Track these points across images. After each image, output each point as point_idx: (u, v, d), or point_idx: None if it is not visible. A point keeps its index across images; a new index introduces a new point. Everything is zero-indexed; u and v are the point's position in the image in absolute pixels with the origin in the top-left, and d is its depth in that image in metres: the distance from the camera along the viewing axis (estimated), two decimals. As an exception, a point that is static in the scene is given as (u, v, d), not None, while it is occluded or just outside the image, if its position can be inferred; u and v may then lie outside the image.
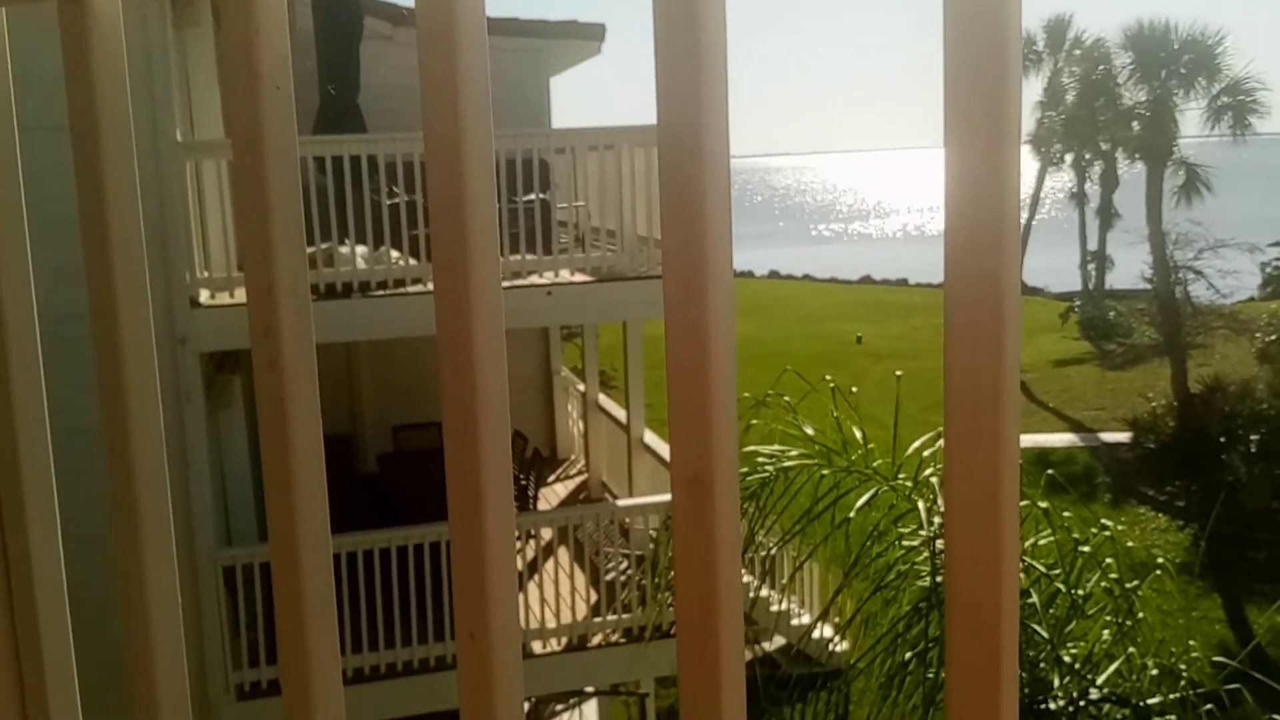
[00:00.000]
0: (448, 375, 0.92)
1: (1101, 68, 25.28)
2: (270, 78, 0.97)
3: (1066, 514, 4.42)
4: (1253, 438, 18.67)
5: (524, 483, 10.66)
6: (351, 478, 11.38)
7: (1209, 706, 3.98)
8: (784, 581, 10.01)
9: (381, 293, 8.51)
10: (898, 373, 6.38)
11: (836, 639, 5.60)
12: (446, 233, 0.90)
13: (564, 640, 9.15)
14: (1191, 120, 24.06)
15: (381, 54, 10.18)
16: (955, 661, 0.79)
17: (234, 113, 0.98)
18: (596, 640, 9.20)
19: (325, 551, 1.06)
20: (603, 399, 12.68)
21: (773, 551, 5.33)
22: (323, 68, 9.77)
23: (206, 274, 8.23)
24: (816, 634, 7.72)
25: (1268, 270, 33.81)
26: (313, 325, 1.01)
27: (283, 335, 0.99)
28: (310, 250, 8.32)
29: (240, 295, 8.26)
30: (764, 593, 9.93)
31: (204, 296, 8.25)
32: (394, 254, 8.62)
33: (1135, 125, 24.83)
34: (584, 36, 12.44)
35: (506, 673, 0.96)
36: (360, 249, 8.51)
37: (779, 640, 10.80)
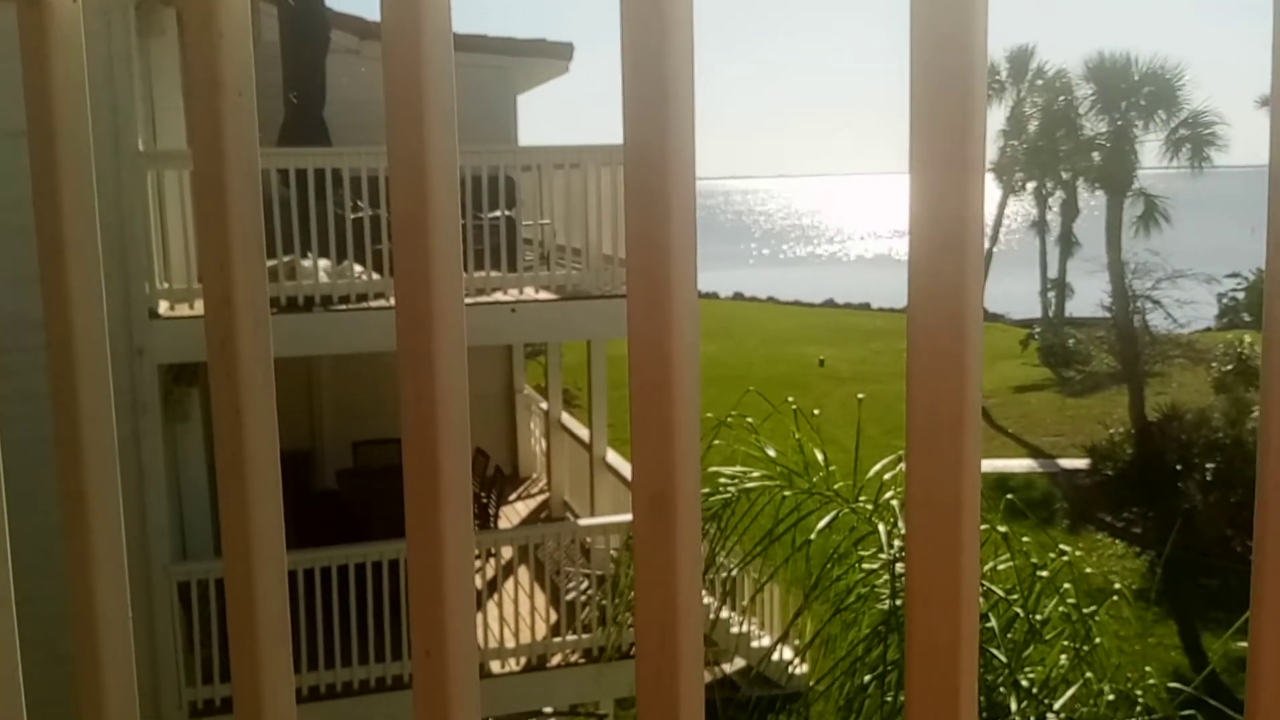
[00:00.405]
0: (408, 389, 0.91)
1: (1063, 98, 25.62)
2: (232, 84, 0.96)
3: (1025, 539, 4.45)
4: (1209, 466, 18.89)
5: (485, 501, 10.60)
6: (310, 493, 11.28)
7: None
8: (744, 603, 10.00)
9: (343, 307, 8.47)
10: (859, 395, 6.40)
11: (796, 661, 5.60)
12: (409, 246, 0.89)
13: (523, 660, 9.10)
14: (1151, 152, 24.42)
15: (347, 67, 10.15)
16: (915, 684, 0.79)
17: (195, 119, 0.97)
18: (556, 660, 9.15)
19: (280, 566, 1.04)
20: (565, 418, 12.65)
21: (734, 573, 5.33)
22: (288, 80, 9.73)
23: (166, 285, 8.15)
24: (776, 656, 7.72)
25: (1224, 301, 34.31)
26: (271, 337, 1.00)
27: (240, 346, 0.98)
28: (272, 263, 8.26)
29: (200, 307, 8.18)
30: (724, 614, 9.92)
31: (163, 308, 8.17)
32: (357, 268, 8.58)
33: (1096, 155, 25.15)
34: (552, 55, 12.46)
35: (463, 691, 0.95)
36: (323, 263, 8.46)
37: (739, 662, 10.78)
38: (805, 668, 5.86)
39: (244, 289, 0.97)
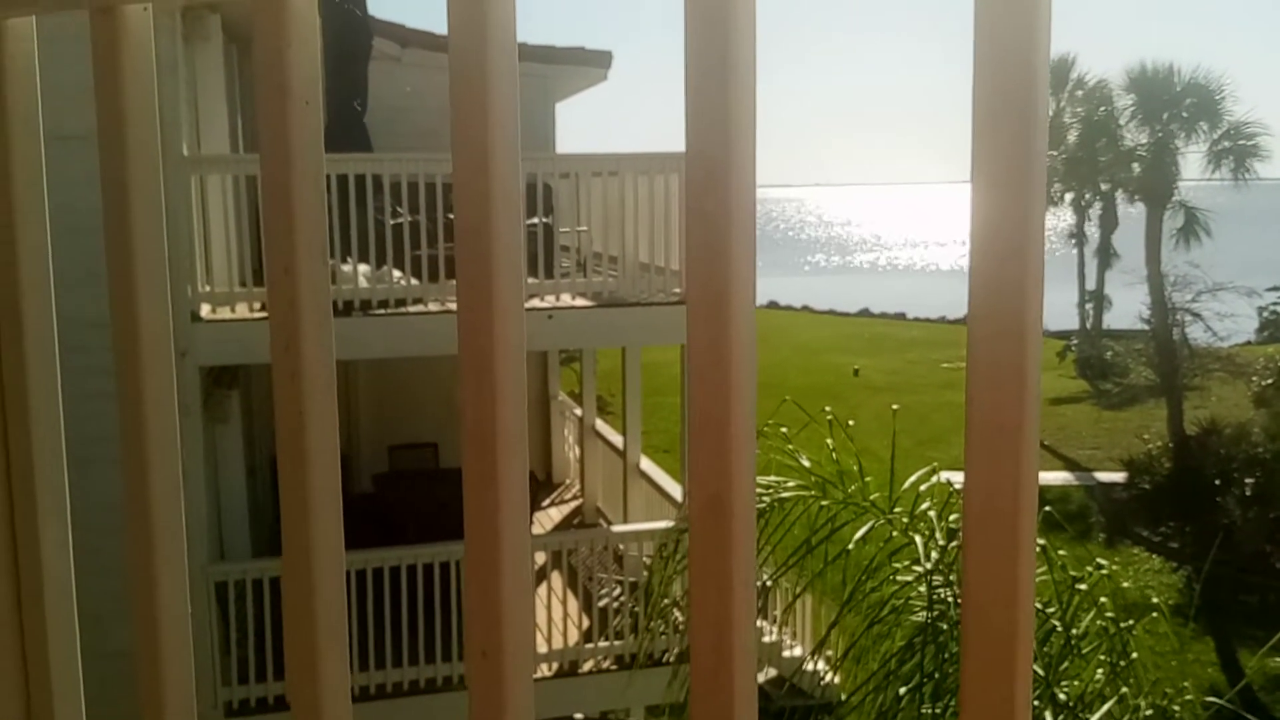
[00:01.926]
0: (469, 396, 0.93)
1: (1103, 109, 25.42)
2: (300, 93, 0.98)
3: (1062, 551, 4.42)
4: (1248, 481, 18.67)
5: (518, 506, 10.63)
6: (347, 497, 11.33)
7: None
8: (778, 613, 9.98)
9: (382, 312, 8.53)
10: (894, 406, 6.38)
11: (828, 672, 5.58)
12: (471, 256, 0.90)
13: (555, 666, 9.12)
14: (1192, 163, 24.19)
15: (389, 74, 10.23)
16: (970, 690, 0.80)
17: (263, 126, 1.00)
18: (588, 666, 9.16)
19: (339, 565, 1.06)
20: (599, 424, 12.67)
21: (768, 582, 5.32)
22: (331, 86, 9.82)
23: (208, 288, 8.24)
24: (809, 667, 7.70)
25: (1265, 314, 33.92)
26: (334, 340, 1.02)
27: (304, 348, 1.00)
28: (313, 268, 8.33)
29: (241, 310, 8.28)
30: (757, 624, 9.91)
31: (204, 311, 8.26)
32: (396, 274, 8.64)
33: (1136, 167, 24.94)
34: (590, 64, 12.51)
35: (518, 692, 0.96)
36: (362, 268, 8.53)
37: (770, 672, 10.75)
38: (837, 679, 5.85)
39: (308, 292, 1.00)
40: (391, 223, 8.57)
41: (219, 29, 9.19)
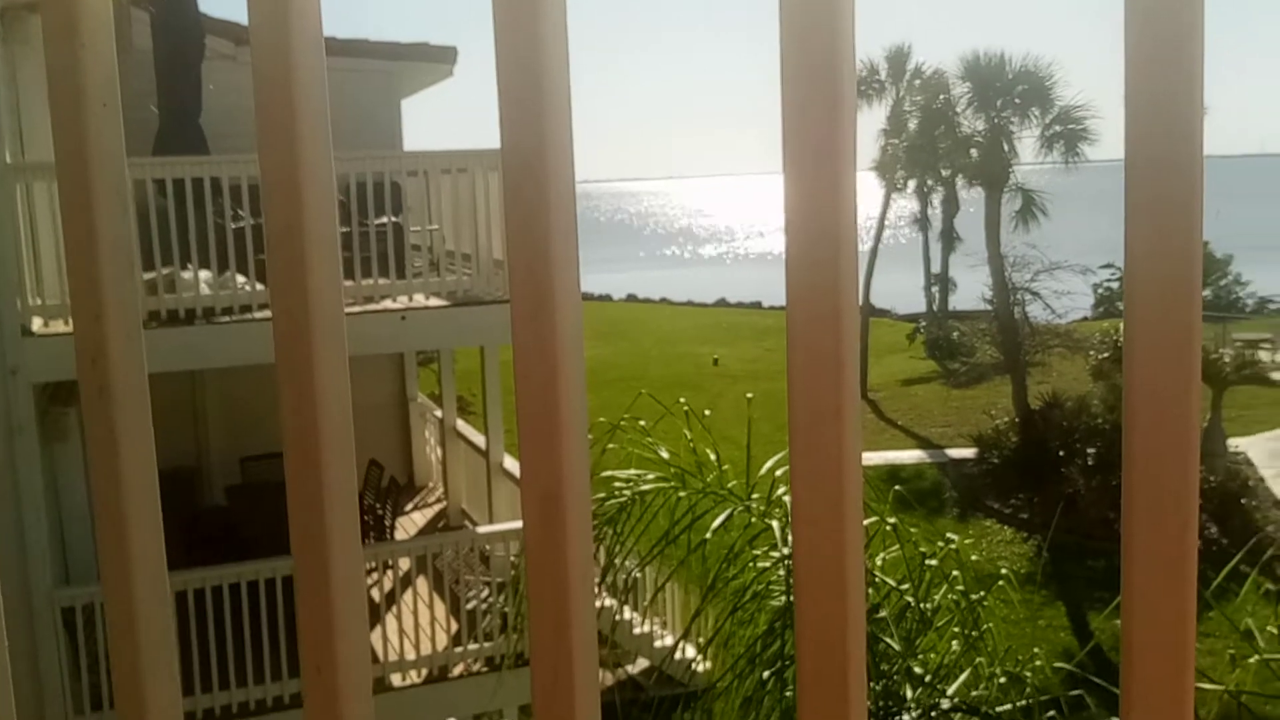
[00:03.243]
0: (288, 404, 0.90)
1: (941, 97, 26.22)
2: (97, 95, 0.93)
3: (914, 529, 4.54)
4: (1089, 451, 19.53)
5: (381, 512, 10.46)
6: (198, 511, 10.99)
7: (1051, 714, 4.13)
8: (645, 604, 10.04)
9: (227, 319, 8.27)
10: (748, 395, 6.48)
11: (699, 660, 5.63)
12: (284, 258, 0.87)
13: (424, 672, 9.00)
14: (1027, 148, 25.14)
15: (224, 74, 9.92)
16: (805, 675, 0.80)
17: (58, 132, 0.94)
18: (458, 670, 9.07)
19: (162, 590, 1.01)
20: (461, 425, 12.55)
21: (634, 574, 5.34)
22: (163, 87, 9.48)
23: (39, 301, 7.87)
24: (679, 655, 7.76)
25: (1100, 291, 35.55)
26: (144, 352, 0.97)
27: (112, 363, 0.95)
28: (151, 276, 8.04)
29: (77, 324, 7.92)
30: (626, 616, 9.94)
31: (36, 325, 7.89)
32: (239, 279, 8.39)
33: (974, 152, 25.80)
34: (435, 59, 12.35)
35: (356, 708, 0.94)
36: (204, 274, 8.26)
37: (642, 663, 10.81)
38: (707, 665, 5.91)
39: (114, 304, 0.95)
40: (233, 226, 8.32)
41: (40, 30, 8.77)
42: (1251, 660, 3.80)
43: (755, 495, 4.39)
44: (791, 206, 0.74)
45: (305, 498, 0.91)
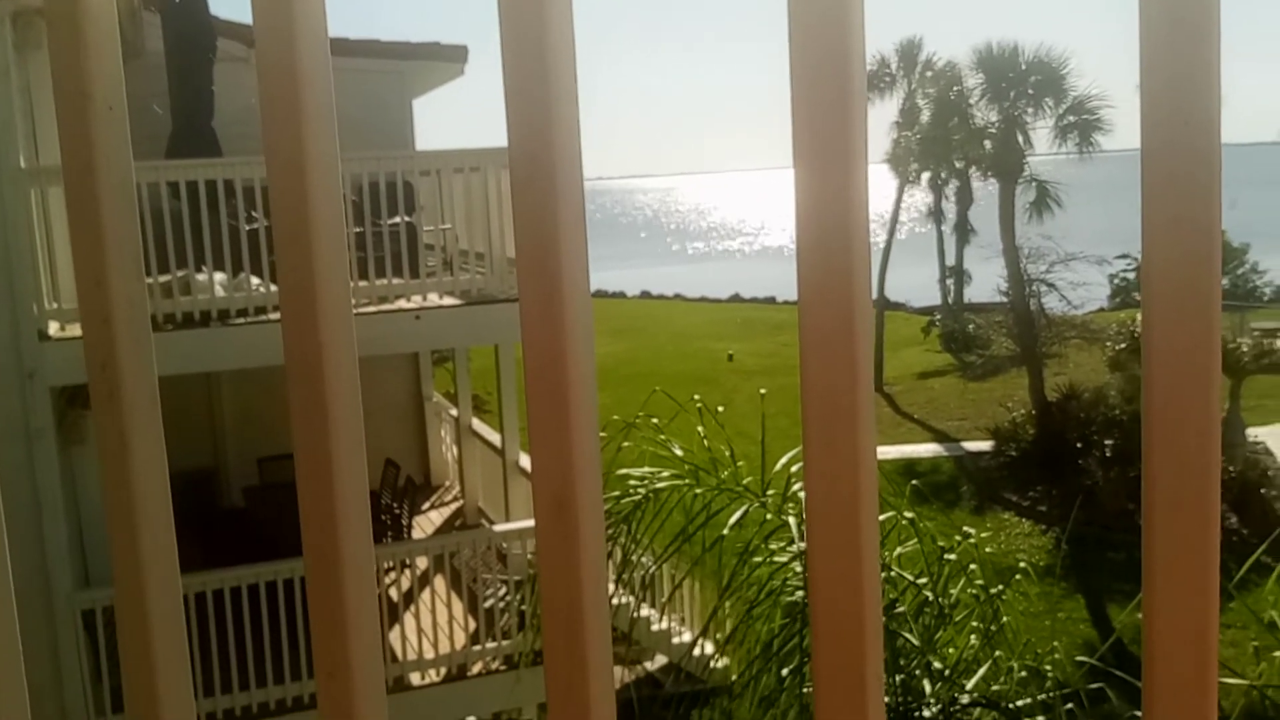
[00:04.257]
0: (298, 407, 0.89)
1: (954, 89, 26.12)
2: (102, 98, 0.93)
3: (929, 522, 4.52)
4: (1107, 442, 19.44)
5: (398, 511, 10.48)
6: (217, 512, 11.04)
7: (1069, 707, 4.11)
8: (664, 601, 10.04)
9: (241, 320, 8.29)
10: (762, 391, 6.46)
11: (716, 656, 5.63)
12: (292, 262, 0.87)
13: (443, 670, 9.01)
14: (1041, 138, 25.02)
15: (236, 76, 9.94)
16: (821, 671, 0.79)
17: (64, 136, 0.94)
18: (477, 669, 9.08)
19: (174, 594, 1.01)
20: (476, 423, 12.56)
21: (651, 572, 5.33)
22: (174, 90, 9.50)
23: (56, 305, 7.90)
24: (697, 652, 7.75)
25: (1115, 281, 35.37)
26: (154, 356, 0.97)
27: (121, 367, 0.95)
28: (166, 278, 8.06)
29: (93, 327, 7.94)
30: (644, 612, 9.94)
31: (54, 329, 7.93)
32: (254, 280, 8.41)
33: (987, 144, 25.69)
34: (446, 58, 12.36)
35: (369, 711, 0.93)
36: (218, 276, 8.28)
37: (661, 659, 10.81)
38: (725, 662, 5.90)
39: (123, 308, 0.94)
40: (247, 228, 8.34)
41: (53, 35, 8.80)
42: (1277, 654, 3.77)
43: (771, 491, 4.38)
44: (802, 202, 0.73)
45: (316, 503, 0.90)
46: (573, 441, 0.84)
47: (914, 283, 37.76)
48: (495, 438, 11.61)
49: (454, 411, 12.94)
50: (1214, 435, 0.72)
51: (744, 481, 4.41)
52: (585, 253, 0.83)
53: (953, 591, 4.16)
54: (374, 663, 0.93)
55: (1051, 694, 4.16)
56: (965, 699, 4.07)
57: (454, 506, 12.63)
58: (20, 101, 7.82)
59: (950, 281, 34.78)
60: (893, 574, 4.13)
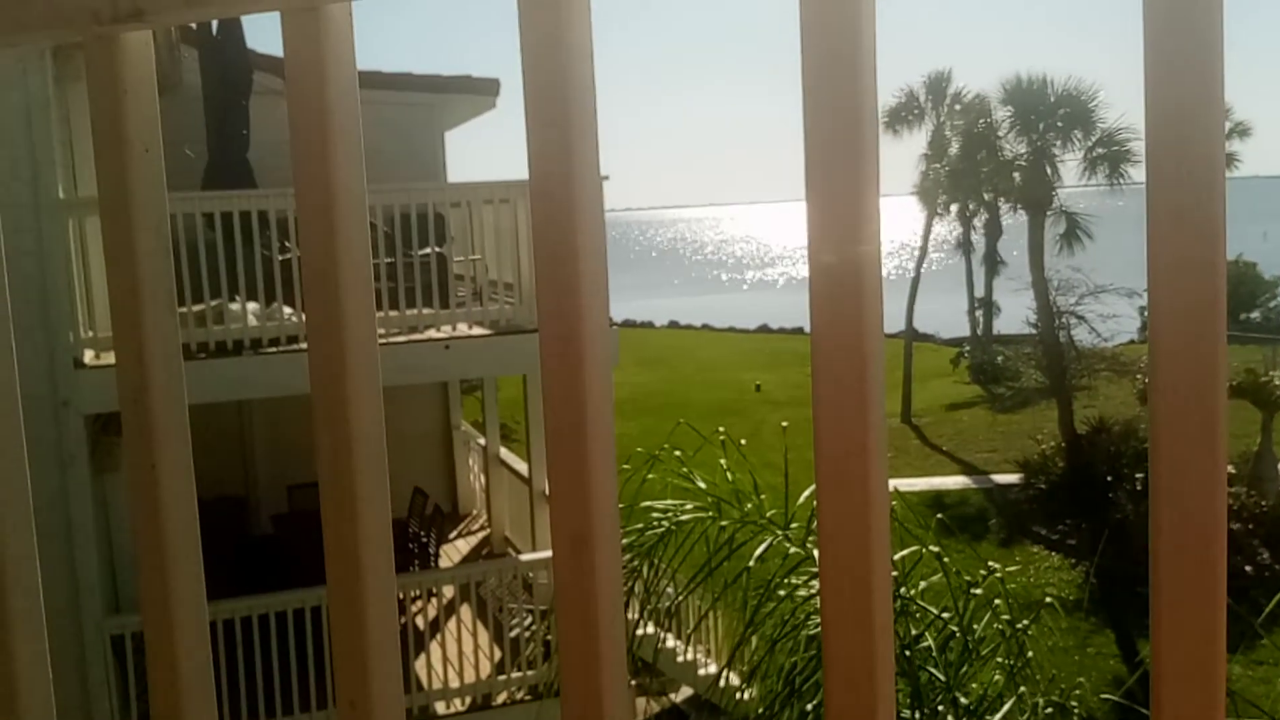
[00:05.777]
0: (323, 442, 0.91)
1: (983, 121, 26.10)
2: (139, 140, 0.96)
3: (958, 555, 4.50)
4: (1138, 476, 19.24)
5: (425, 540, 10.50)
6: (246, 539, 11.09)
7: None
8: (689, 632, 10.00)
9: (273, 349, 8.37)
10: (784, 423, 6.46)
11: (742, 688, 5.60)
12: (319, 298, 0.89)
13: (468, 699, 9.00)
14: (1070, 170, 24.94)
15: (271, 109, 10.08)
16: (833, 713, 0.80)
17: (102, 176, 0.97)
18: (501, 698, 9.07)
19: (201, 622, 1.03)
20: (504, 452, 12.58)
21: (676, 603, 5.32)
22: (211, 124, 9.64)
23: (91, 333, 8.00)
24: (722, 683, 7.70)
25: (1145, 314, 35.03)
26: (185, 389, 0.99)
27: (153, 400, 0.97)
28: (199, 308, 8.15)
29: (126, 355, 8.03)
30: (670, 644, 9.91)
31: (88, 357, 8.02)
32: (286, 310, 8.49)
33: (1016, 176, 25.63)
34: (478, 91, 12.47)
35: (389, 741, 0.95)
36: (251, 305, 8.37)
37: (686, 691, 10.74)
38: (752, 693, 5.87)
39: (155, 343, 0.97)
40: (280, 258, 8.43)
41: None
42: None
43: (794, 524, 4.37)
44: (815, 241, 0.75)
45: (339, 537, 0.92)
46: (591, 480, 0.86)
47: (943, 314, 37.62)
48: (522, 467, 11.62)
49: (482, 440, 12.97)
50: (1220, 447, 0.72)
51: (768, 514, 4.41)
52: (606, 292, 0.85)
53: (978, 626, 4.14)
54: (394, 694, 0.95)
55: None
56: (991, 735, 4.03)
57: (481, 535, 12.65)
58: (60, 132, 7.95)
59: (979, 313, 34.64)
60: (918, 607, 4.11)
